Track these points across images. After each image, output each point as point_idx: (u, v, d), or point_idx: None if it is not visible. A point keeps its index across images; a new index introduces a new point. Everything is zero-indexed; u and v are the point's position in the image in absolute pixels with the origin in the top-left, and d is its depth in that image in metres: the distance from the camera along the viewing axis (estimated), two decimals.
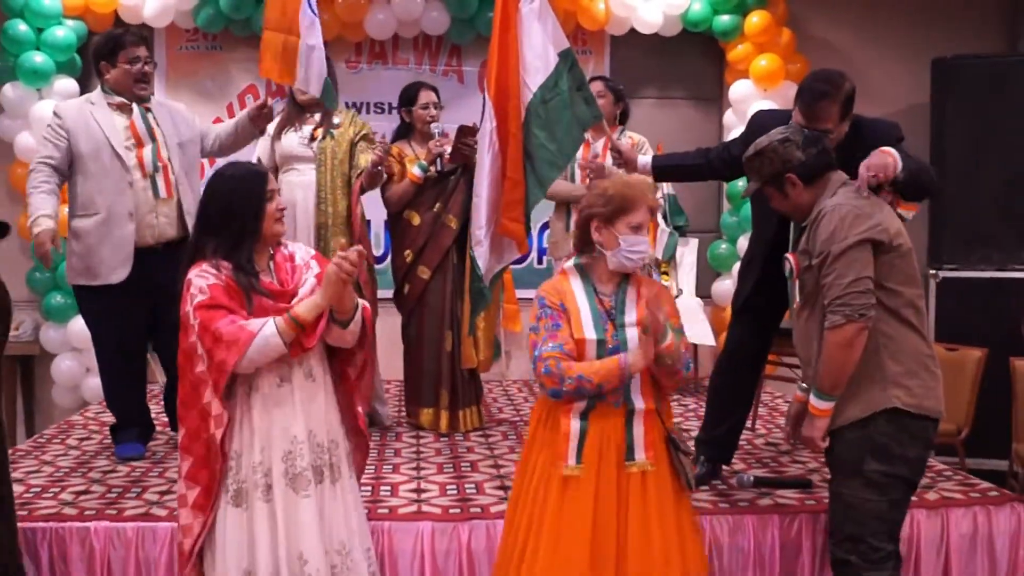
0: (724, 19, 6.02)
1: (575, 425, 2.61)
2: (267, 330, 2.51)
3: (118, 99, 3.90)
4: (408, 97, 4.56)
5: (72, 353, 5.82)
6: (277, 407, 2.62)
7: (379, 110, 6.10)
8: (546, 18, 3.95)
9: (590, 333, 2.61)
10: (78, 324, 5.75)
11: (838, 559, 2.87)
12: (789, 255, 2.91)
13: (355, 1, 5.74)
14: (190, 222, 3.76)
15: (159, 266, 3.74)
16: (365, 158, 4.29)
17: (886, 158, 2.84)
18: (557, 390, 2.58)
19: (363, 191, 4.37)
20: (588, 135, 4.56)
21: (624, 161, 3.84)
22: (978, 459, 4.76)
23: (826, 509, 3.26)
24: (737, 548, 3.24)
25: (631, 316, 2.65)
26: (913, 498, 3.35)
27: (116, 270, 3.84)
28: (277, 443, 2.61)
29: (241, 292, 2.58)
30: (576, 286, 2.70)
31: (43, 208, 3.78)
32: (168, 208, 3.90)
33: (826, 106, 3.02)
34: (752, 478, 3.40)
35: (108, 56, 3.90)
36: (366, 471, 3.60)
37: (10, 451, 4.18)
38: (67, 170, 3.90)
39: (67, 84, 5.78)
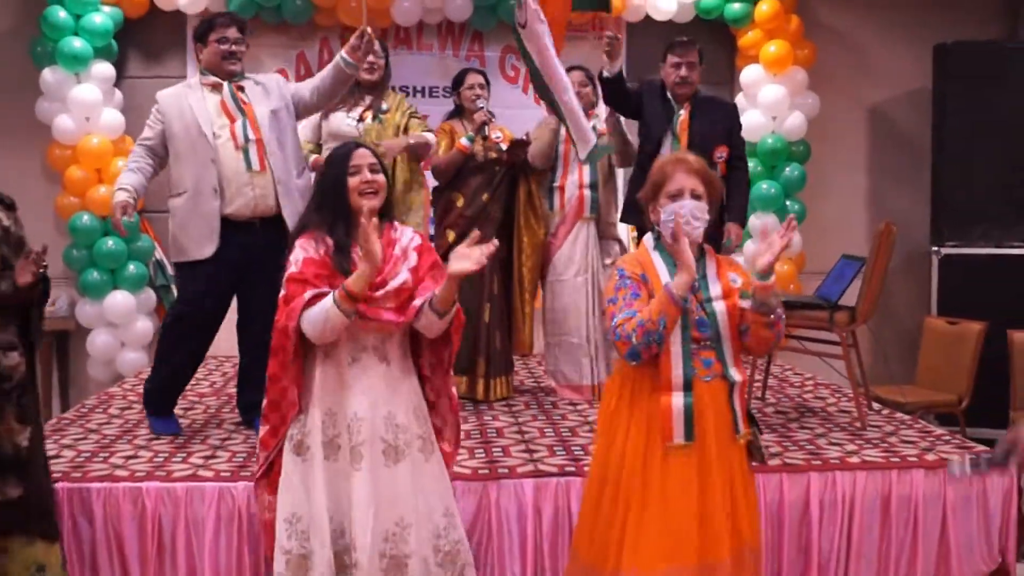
0: (735, 6, 6.19)
1: (678, 400, 2.57)
2: (326, 303, 2.61)
3: (212, 79, 4.00)
4: (457, 81, 4.90)
5: (107, 328, 6.00)
6: (342, 382, 2.73)
7: (404, 92, 6.26)
8: None
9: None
10: (114, 299, 5.93)
11: None
12: None
13: None
14: (282, 194, 3.92)
15: (253, 242, 3.89)
16: (422, 126, 4.55)
17: None
18: (631, 349, 2.54)
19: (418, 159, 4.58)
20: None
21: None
22: (977, 428, 4.96)
23: (833, 468, 3.50)
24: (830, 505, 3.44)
25: (715, 290, 2.62)
26: (913, 459, 3.61)
27: (204, 245, 3.91)
28: (340, 416, 2.74)
29: (336, 271, 2.68)
30: (656, 258, 2.68)
31: (123, 182, 3.93)
32: (264, 181, 3.93)
33: None
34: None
35: (201, 38, 4.04)
36: None
37: (55, 420, 4.38)
38: (164, 152, 4.01)
39: (104, 68, 5.97)
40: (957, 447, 3.76)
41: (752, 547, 2.67)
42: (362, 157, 2.78)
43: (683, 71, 4.43)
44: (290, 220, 3.91)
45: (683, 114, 4.47)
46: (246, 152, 3.93)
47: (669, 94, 4.50)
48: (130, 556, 3.30)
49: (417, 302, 2.72)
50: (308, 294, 2.64)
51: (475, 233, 2.74)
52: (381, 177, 2.80)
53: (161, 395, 4.18)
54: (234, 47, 4.03)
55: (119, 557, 3.31)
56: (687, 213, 2.58)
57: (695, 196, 2.61)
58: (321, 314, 2.63)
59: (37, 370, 3.06)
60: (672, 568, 2.53)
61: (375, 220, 2.62)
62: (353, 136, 4.43)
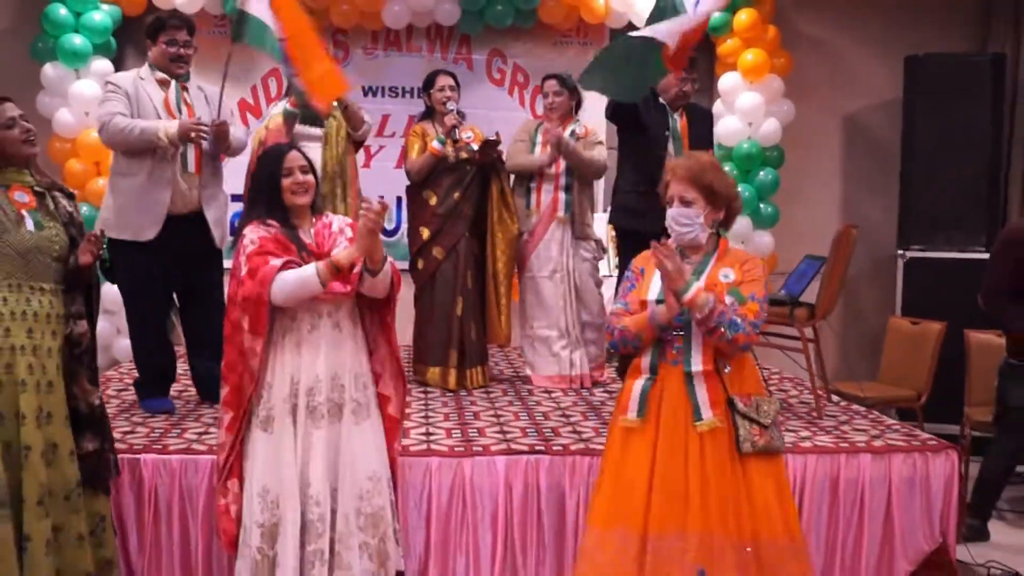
0: (715, 16, 6.38)
1: (639, 383, 2.83)
2: (308, 270, 2.92)
3: (160, 75, 4.19)
4: (428, 82, 5.08)
5: (104, 315, 6.08)
6: (306, 349, 3.03)
7: (393, 94, 6.54)
8: None
9: (651, 295, 2.81)
10: (111, 288, 6.10)
11: None
12: None
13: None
14: (206, 198, 4.20)
15: (190, 231, 4.15)
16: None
17: None
18: (611, 341, 2.89)
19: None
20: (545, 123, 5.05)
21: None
22: (935, 424, 5.19)
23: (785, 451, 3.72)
24: None
25: (699, 285, 2.76)
26: (861, 444, 3.84)
27: (147, 229, 4.12)
28: (303, 379, 3.02)
29: (291, 243, 3.01)
30: None
31: (157, 121, 4.08)
32: (195, 182, 4.19)
33: None
34: None
35: (152, 35, 4.22)
36: None
37: None
38: None
39: (103, 65, 6.14)
40: (904, 435, 4.00)
41: (737, 540, 2.70)
42: (294, 160, 3.09)
43: (687, 87, 4.76)
44: (213, 223, 4.21)
45: (680, 119, 4.76)
46: (184, 154, 4.16)
47: (663, 100, 4.74)
48: (128, 522, 3.51)
49: (357, 269, 3.02)
50: (277, 261, 2.93)
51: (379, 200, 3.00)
52: (311, 177, 3.11)
53: (151, 385, 4.38)
54: (182, 50, 4.20)
55: (118, 522, 3.48)
56: (670, 220, 2.82)
57: (684, 202, 2.80)
58: (297, 279, 2.92)
59: (96, 340, 3.32)
60: (618, 530, 2.76)
61: (382, 209, 2.90)
62: (317, 135, 4.70)
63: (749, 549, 2.71)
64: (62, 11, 6.02)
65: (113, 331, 6.26)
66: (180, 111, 4.19)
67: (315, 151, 4.68)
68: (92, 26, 6.08)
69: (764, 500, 2.74)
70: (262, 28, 4.08)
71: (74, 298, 3.16)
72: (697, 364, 2.76)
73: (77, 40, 6.03)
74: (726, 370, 2.78)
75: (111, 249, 4.25)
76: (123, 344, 6.22)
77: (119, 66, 6.30)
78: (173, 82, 4.21)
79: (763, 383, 2.86)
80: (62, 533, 3.04)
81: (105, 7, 6.16)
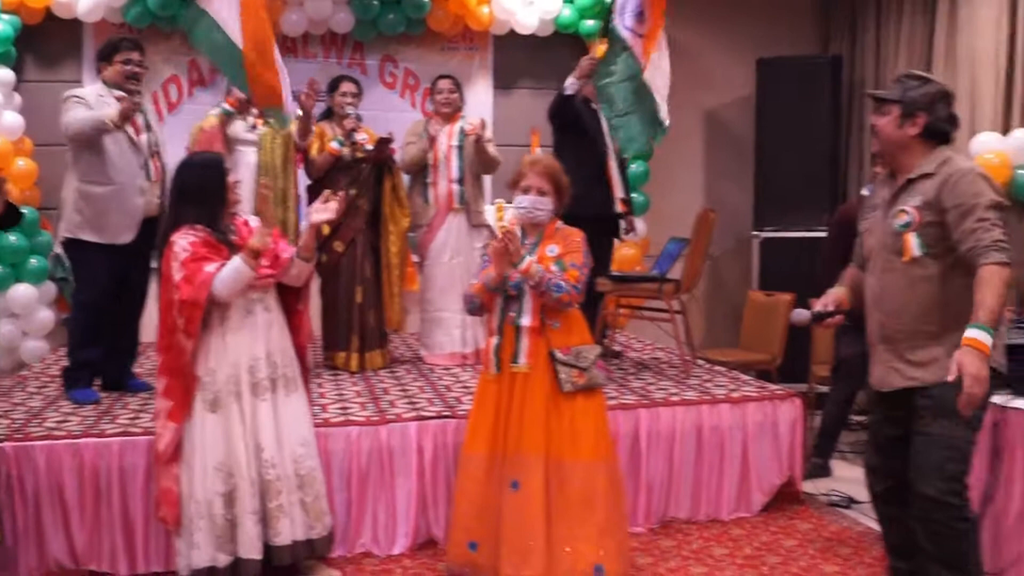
0: (589, 23, 7.00)
1: (492, 342, 3.46)
2: (235, 262, 3.32)
3: (117, 92, 4.46)
4: (332, 86, 5.45)
5: (10, 319, 6.31)
6: (244, 332, 3.44)
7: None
8: None
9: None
10: (17, 291, 6.23)
11: (941, 502, 2.90)
12: (910, 208, 2.95)
13: (271, 2, 6.30)
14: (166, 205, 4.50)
15: (148, 234, 4.45)
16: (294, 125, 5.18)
17: None
18: (465, 301, 3.58)
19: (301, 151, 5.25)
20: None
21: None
22: (789, 383, 5.80)
23: (657, 405, 4.30)
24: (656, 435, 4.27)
25: (534, 257, 3.39)
26: (720, 395, 4.44)
27: (125, 233, 4.47)
28: (244, 360, 3.43)
29: (219, 245, 3.40)
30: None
31: (100, 111, 4.34)
32: (156, 189, 4.56)
33: None
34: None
35: (107, 57, 4.53)
36: None
37: None
38: None
39: (4, 74, 6.26)
40: (757, 388, 4.64)
41: (544, 458, 3.32)
42: (228, 162, 3.58)
43: (588, 87, 5.24)
44: None
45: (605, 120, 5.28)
46: (147, 162, 4.53)
47: (593, 105, 5.26)
48: (70, 501, 3.75)
49: (285, 255, 3.49)
50: (211, 267, 3.33)
51: (327, 193, 3.59)
52: None
53: (82, 372, 4.65)
54: (137, 69, 4.55)
55: (59, 502, 3.75)
56: (530, 205, 3.43)
57: (541, 193, 3.42)
58: (232, 273, 3.33)
59: None
60: (474, 453, 3.47)
61: (270, 195, 3.45)
62: (252, 140, 5.10)
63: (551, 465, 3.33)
64: None
65: (19, 334, 6.39)
66: (148, 127, 4.56)
67: (250, 155, 5.09)
68: None
69: (576, 429, 3.34)
70: (212, 29, 4.45)
71: None
72: (526, 320, 3.39)
73: None
74: (555, 326, 3.36)
75: (75, 249, 4.55)
76: (30, 346, 6.38)
77: (20, 75, 6.45)
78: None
79: (590, 335, 3.52)
80: None
81: (4, 16, 6.28)
